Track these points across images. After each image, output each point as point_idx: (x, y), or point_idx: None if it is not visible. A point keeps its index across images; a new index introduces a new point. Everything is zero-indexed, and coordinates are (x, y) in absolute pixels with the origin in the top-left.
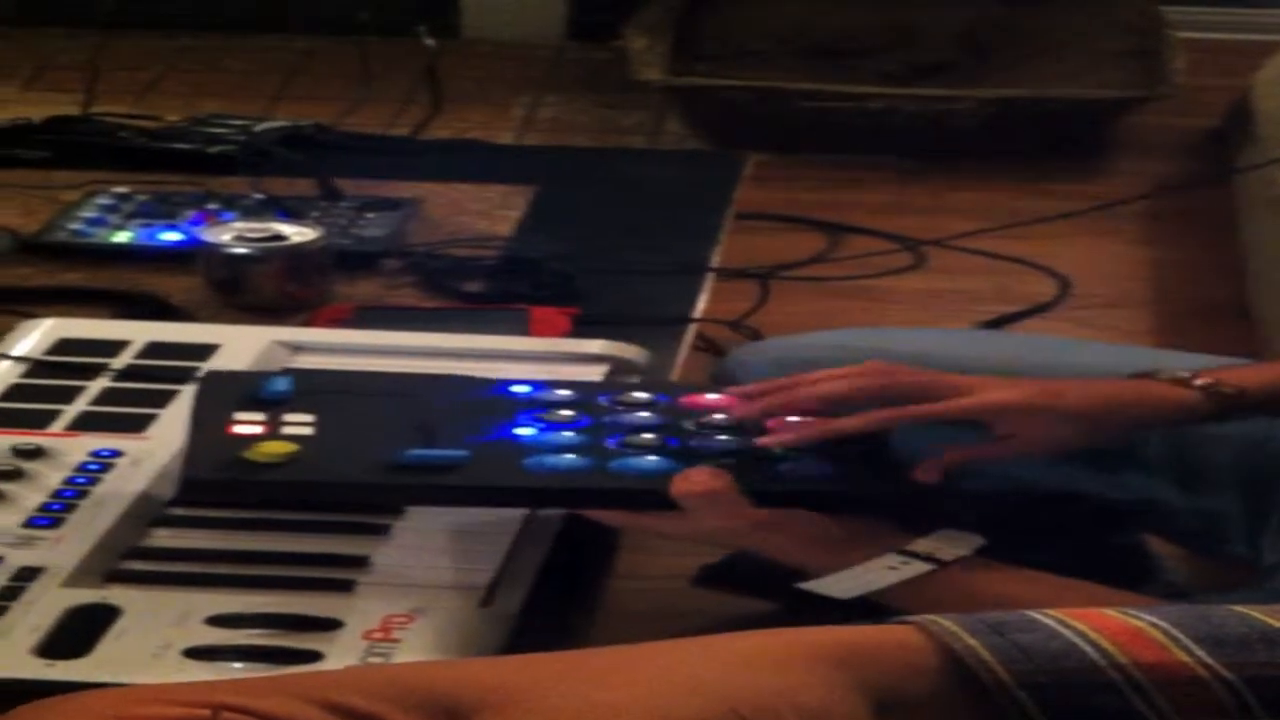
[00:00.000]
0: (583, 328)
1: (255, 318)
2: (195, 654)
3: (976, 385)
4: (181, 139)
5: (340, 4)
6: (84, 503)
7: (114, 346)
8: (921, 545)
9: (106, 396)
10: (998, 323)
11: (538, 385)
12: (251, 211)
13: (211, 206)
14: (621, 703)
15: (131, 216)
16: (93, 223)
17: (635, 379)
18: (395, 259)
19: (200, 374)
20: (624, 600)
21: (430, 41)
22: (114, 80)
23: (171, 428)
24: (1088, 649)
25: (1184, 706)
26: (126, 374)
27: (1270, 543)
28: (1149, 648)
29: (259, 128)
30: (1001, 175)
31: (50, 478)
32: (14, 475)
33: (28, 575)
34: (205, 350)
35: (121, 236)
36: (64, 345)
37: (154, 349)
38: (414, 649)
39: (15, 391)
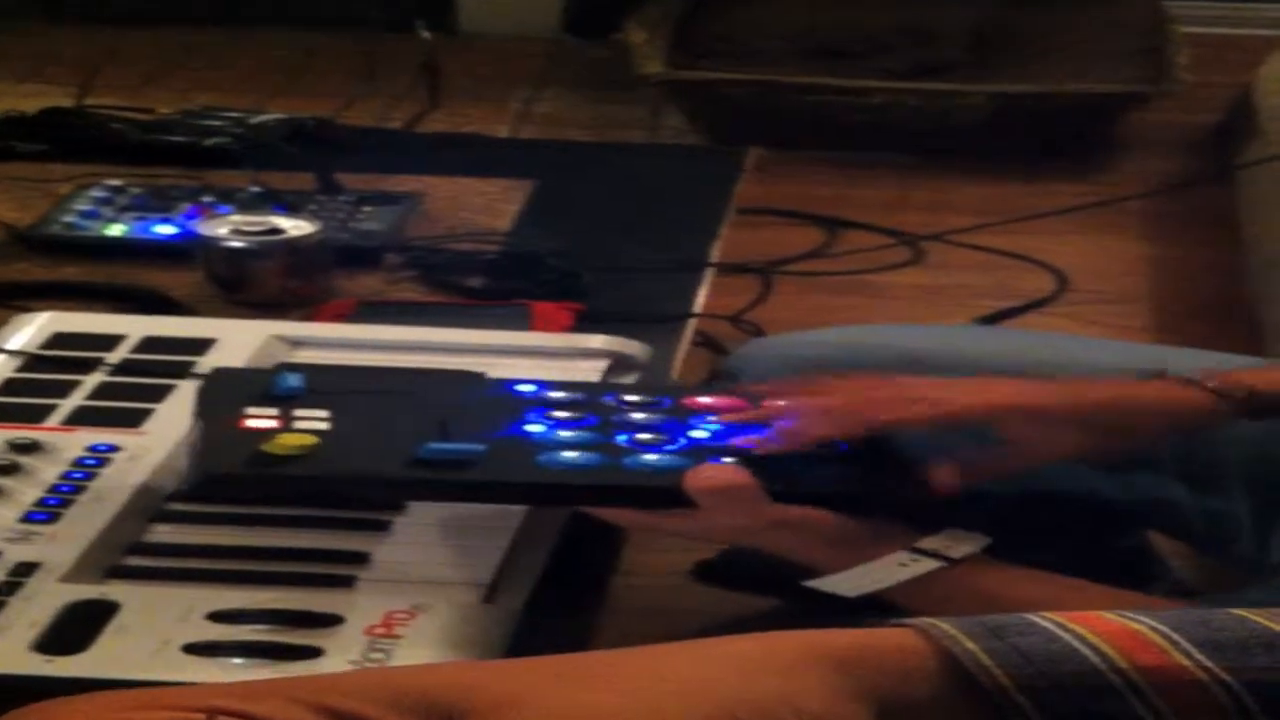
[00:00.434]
0: (583, 323)
1: (257, 313)
2: (195, 650)
3: (978, 388)
4: (176, 132)
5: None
6: (81, 498)
7: (110, 341)
8: (929, 543)
9: (103, 391)
10: (995, 318)
11: (542, 385)
12: (248, 205)
13: (207, 199)
14: (619, 707)
15: (125, 210)
16: (86, 215)
17: (637, 375)
18: (396, 254)
19: (199, 369)
20: (627, 597)
21: (426, 34)
22: (112, 75)
23: (168, 422)
24: (1087, 652)
25: (1183, 710)
26: (123, 368)
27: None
28: (1149, 651)
29: (255, 120)
30: (1004, 172)
31: (47, 473)
32: (10, 470)
33: (25, 570)
34: (202, 345)
35: (115, 230)
36: (60, 339)
37: (150, 343)
38: (415, 645)
39: (11, 386)
